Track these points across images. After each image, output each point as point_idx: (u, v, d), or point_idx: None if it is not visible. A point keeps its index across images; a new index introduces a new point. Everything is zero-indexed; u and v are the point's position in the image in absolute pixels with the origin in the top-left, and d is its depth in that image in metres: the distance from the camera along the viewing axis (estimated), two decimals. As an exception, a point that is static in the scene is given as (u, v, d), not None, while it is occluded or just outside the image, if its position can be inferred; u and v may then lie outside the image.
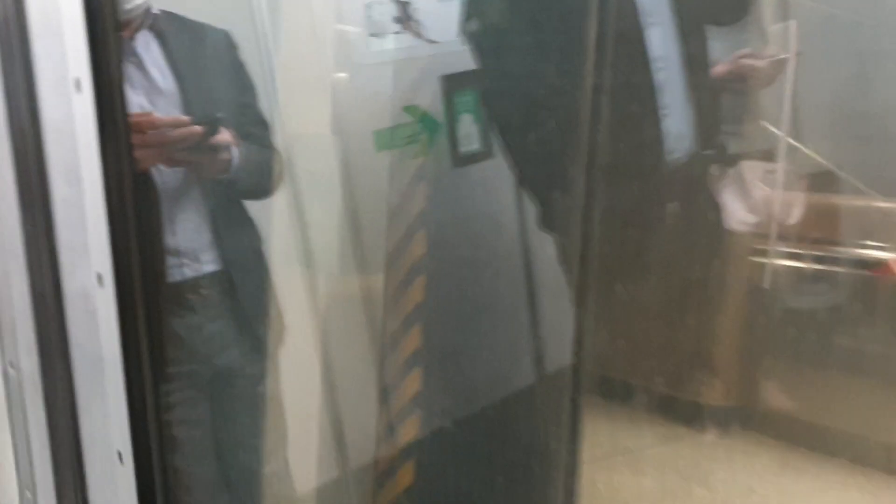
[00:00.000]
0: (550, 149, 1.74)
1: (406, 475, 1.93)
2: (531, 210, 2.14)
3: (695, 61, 1.82)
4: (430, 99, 2.33)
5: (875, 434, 2.78)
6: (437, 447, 1.92)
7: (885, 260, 2.90)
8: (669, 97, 1.72)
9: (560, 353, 1.74)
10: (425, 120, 2.33)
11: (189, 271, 1.63)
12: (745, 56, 2.66)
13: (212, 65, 1.70)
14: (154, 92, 1.58)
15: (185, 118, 1.50)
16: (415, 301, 1.91)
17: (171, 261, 1.60)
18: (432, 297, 1.88)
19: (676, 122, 1.73)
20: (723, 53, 2.71)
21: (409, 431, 1.91)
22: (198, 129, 1.49)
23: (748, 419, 3.09)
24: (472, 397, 1.94)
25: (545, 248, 2.01)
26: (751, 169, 2.81)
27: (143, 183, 1.50)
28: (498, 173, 2.52)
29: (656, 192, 1.86)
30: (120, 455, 1.00)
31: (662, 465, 2.91)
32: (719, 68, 2.69)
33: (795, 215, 2.96)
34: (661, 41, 1.72)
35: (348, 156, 2.16)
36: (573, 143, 1.66)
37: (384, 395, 1.97)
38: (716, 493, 2.70)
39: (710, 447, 3.03)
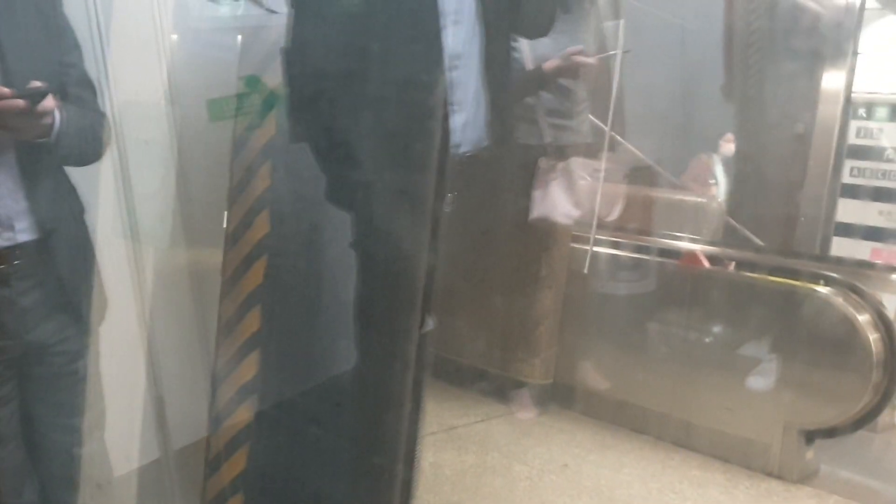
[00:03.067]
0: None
1: (238, 461, 1.89)
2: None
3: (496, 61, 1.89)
4: (269, 70, 2.27)
5: (675, 412, 3.02)
6: (272, 432, 1.88)
7: (690, 250, 3.14)
8: (461, 93, 1.79)
9: (402, 333, 1.76)
10: (263, 91, 2.26)
11: (1, 240, 1.51)
12: (576, 53, 2.80)
13: (31, 19, 1.56)
14: None
15: (5, 90, 1.38)
16: (255, 283, 1.85)
17: (-20, 229, 1.48)
18: (273, 279, 1.84)
19: (464, 118, 1.81)
20: (557, 49, 2.84)
21: (244, 416, 1.86)
22: (20, 102, 1.38)
23: (565, 397, 3.27)
24: (310, 381, 1.92)
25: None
26: (578, 164, 2.96)
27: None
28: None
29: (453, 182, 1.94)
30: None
31: (485, 442, 3.02)
32: (550, 64, 2.83)
33: (616, 209, 3.15)
34: (460, 39, 1.78)
35: (182, 124, 2.07)
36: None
37: (218, 378, 1.90)
38: (532, 468, 2.84)
39: (530, 424, 3.18)
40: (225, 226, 1.93)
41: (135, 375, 2.05)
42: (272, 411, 1.89)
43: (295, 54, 1.77)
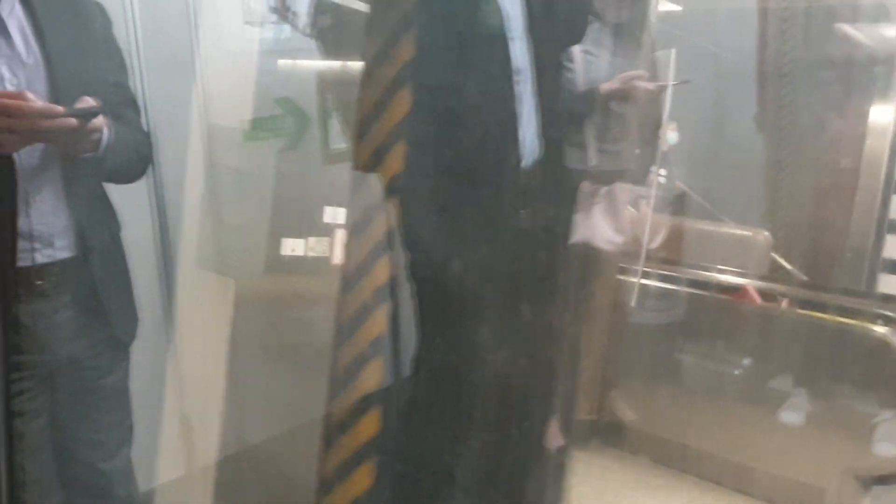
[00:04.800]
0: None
1: (363, 477, 1.79)
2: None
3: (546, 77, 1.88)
4: (304, 92, 2.27)
5: (724, 452, 2.91)
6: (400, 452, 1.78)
7: (742, 285, 3.04)
8: (525, 108, 1.77)
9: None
10: (296, 113, 2.27)
11: (41, 257, 1.51)
12: (634, 77, 2.73)
13: (83, 39, 1.57)
14: (15, 62, 1.44)
15: (59, 108, 1.37)
16: (377, 332, 1.76)
17: (22, 245, 1.47)
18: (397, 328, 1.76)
19: (526, 132, 1.78)
20: (611, 73, 2.77)
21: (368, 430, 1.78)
22: (73, 121, 1.38)
23: (608, 434, 3.17)
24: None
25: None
26: (622, 191, 2.89)
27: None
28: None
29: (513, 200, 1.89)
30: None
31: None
32: (608, 86, 2.75)
33: (660, 239, 3.06)
34: (520, 54, 1.77)
35: (216, 145, 2.08)
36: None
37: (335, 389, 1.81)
38: (574, 508, 2.75)
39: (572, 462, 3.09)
40: (342, 269, 1.83)
41: (164, 392, 2.03)
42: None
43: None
